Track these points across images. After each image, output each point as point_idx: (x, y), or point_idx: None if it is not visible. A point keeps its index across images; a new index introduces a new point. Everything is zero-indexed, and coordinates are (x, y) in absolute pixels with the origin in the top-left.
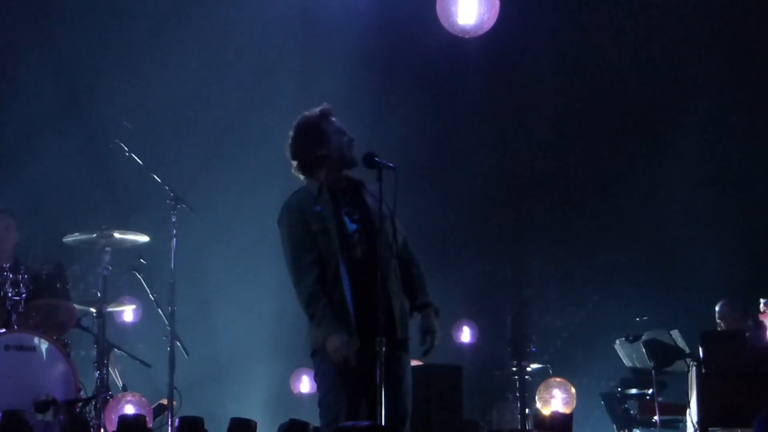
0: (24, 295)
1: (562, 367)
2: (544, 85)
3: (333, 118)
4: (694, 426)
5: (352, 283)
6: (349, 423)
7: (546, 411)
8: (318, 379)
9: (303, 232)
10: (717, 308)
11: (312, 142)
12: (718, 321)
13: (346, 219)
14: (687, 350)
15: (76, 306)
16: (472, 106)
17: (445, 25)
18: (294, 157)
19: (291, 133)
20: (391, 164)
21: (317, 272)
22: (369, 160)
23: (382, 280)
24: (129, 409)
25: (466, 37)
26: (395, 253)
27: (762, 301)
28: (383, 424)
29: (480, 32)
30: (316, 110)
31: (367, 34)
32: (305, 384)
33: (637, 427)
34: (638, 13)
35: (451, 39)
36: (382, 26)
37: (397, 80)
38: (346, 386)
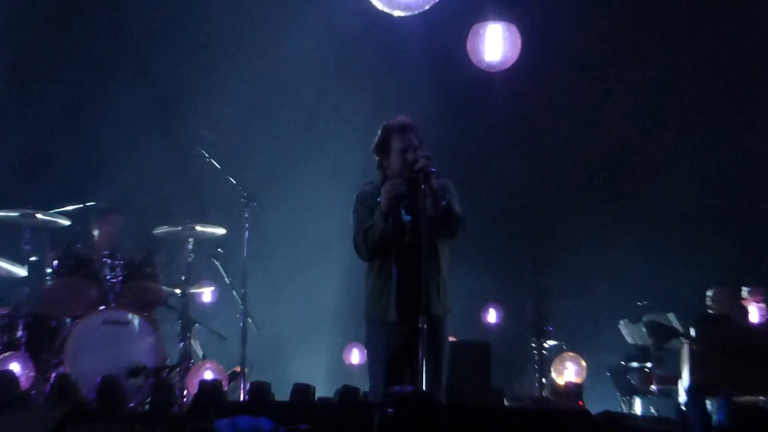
0: (120, 278)
1: (574, 344)
2: (561, 109)
3: (409, 134)
4: (685, 395)
5: (398, 264)
6: (397, 388)
7: (560, 381)
8: (368, 348)
9: (366, 216)
10: (709, 294)
11: (379, 150)
12: (709, 305)
13: (402, 211)
14: (681, 330)
15: (163, 288)
16: (500, 127)
17: (474, 60)
18: (373, 153)
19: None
20: (434, 169)
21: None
22: (419, 172)
23: (425, 265)
24: (208, 375)
25: (492, 71)
26: (442, 247)
27: (744, 289)
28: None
29: (504, 67)
30: (398, 121)
31: (411, 63)
32: (355, 356)
33: (638, 395)
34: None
35: (480, 72)
36: (426, 58)
37: (438, 104)
38: (390, 356)
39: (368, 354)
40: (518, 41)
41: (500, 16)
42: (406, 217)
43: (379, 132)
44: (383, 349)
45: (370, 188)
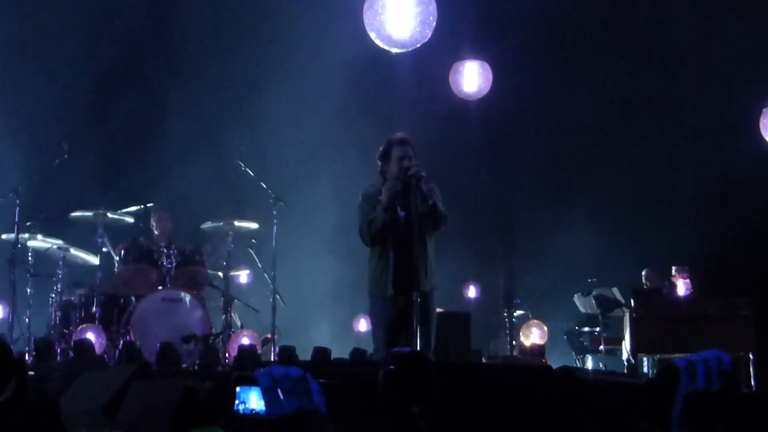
0: (174, 264)
1: (538, 313)
2: (524, 127)
3: (406, 146)
4: (627, 353)
5: (395, 251)
6: (396, 349)
7: (527, 343)
8: (371, 318)
9: (369, 211)
10: (643, 273)
11: (382, 158)
12: (644, 282)
13: (398, 208)
14: (623, 301)
15: (209, 271)
16: (476, 143)
17: (455, 91)
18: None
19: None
20: (423, 174)
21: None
22: (411, 176)
23: (416, 251)
24: (245, 341)
25: (469, 99)
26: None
27: (674, 267)
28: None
29: (479, 96)
30: (397, 136)
31: (404, 93)
32: (362, 325)
33: (589, 354)
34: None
35: (459, 101)
36: (416, 89)
37: (426, 124)
38: (388, 323)
39: (371, 323)
40: (490, 76)
41: (475, 56)
42: (401, 213)
43: (383, 144)
44: (383, 318)
45: (372, 189)
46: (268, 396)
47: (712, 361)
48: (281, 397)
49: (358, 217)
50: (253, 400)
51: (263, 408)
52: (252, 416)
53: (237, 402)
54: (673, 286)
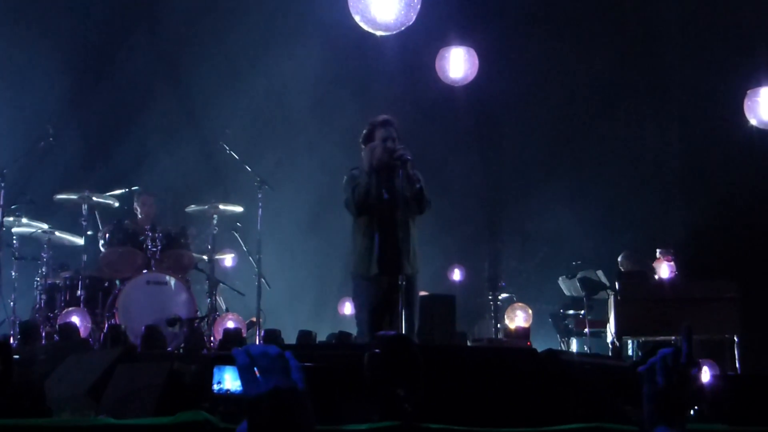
0: (159, 247)
1: (522, 296)
2: (510, 113)
3: (390, 127)
4: (611, 335)
5: (379, 232)
6: (381, 332)
7: (512, 326)
8: (354, 300)
9: (353, 184)
10: (619, 258)
11: (365, 141)
12: (620, 267)
13: (383, 190)
14: (608, 284)
15: (194, 254)
16: (463, 128)
17: (441, 77)
18: (360, 143)
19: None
20: (409, 157)
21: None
22: (397, 159)
23: (400, 233)
24: (230, 324)
25: (456, 85)
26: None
27: (658, 250)
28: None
29: (465, 82)
30: (380, 117)
31: (391, 78)
32: (347, 308)
33: (574, 336)
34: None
35: (446, 87)
36: (404, 74)
37: (413, 109)
38: (372, 306)
39: (355, 305)
40: (476, 62)
41: (462, 42)
42: (386, 195)
43: (366, 126)
44: (367, 300)
45: (356, 172)
46: (244, 375)
47: (668, 358)
48: (258, 375)
49: (344, 189)
50: (228, 380)
51: (238, 388)
52: (227, 396)
53: (212, 382)
54: (652, 270)
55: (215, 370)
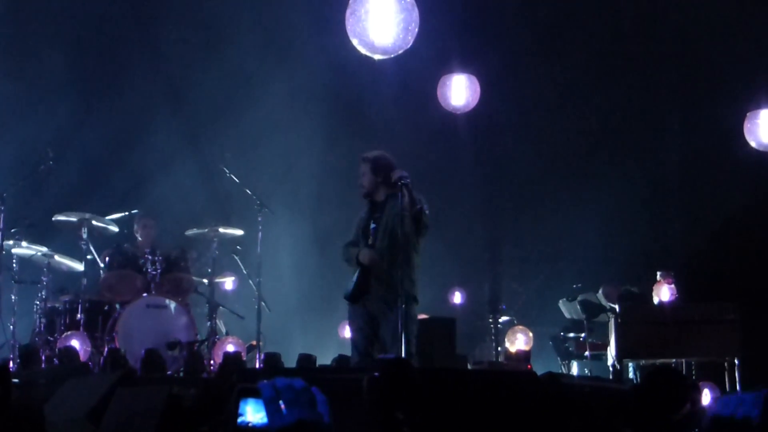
0: (159, 271)
1: (523, 319)
2: (510, 140)
3: (363, 164)
4: (612, 358)
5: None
6: (381, 356)
7: (512, 349)
8: (349, 322)
9: (353, 233)
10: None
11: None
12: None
13: (372, 221)
14: (608, 307)
15: (194, 278)
16: (463, 155)
17: (443, 104)
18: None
19: None
20: (408, 179)
21: (350, 246)
22: (396, 181)
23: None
24: (230, 348)
25: (457, 112)
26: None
27: (659, 273)
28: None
29: (467, 109)
30: (361, 156)
31: (388, 103)
32: (347, 331)
33: (574, 359)
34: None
35: (447, 114)
36: (399, 99)
37: (415, 135)
38: (359, 329)
39: (350, 329)
40: (478, 89)
41: (463, 69)
42: (372, 226)
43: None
44: (352, 322)
45: (363, 213)
46: (270, 407)
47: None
48: (283, 408)
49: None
50: (249, 413)
51: (260, 420)
52: (248, 428)
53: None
54: (658, 291)
55: (241, 402)
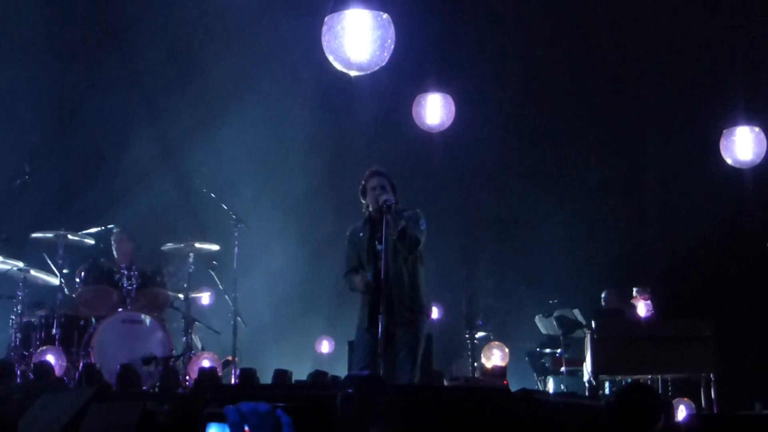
0: (135, 286)
1: (499, 334)
2: (485, 158)
3: (376, 177)
4: (588, 374)
5: (374, 281)
6: (354, 372)
7: (488, 364)
8: (355, 348)
9: (351, 251)
10: (603, 295)
11: (362, 194)
12: (603, 304)
13: (377, 242)
14: (584, 323)
15: (170, 293)
16: (439, 173)
17: (418, 123)
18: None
19: None
20: (392, 202)
21: (352, 271)
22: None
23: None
24: (205, 363)
25: (432, 131)
26: (406, 265)
27: (634, 289)
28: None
29: (442, 128)
30: (372, 169)
31: (367, 124)
32: (324, 346)
33: (551, 375)
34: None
35: (422, 133)
36: (379, 118)
37: (391, 153)
38: (362, 350)
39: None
40: (453, 108)
41: (438, 88)
42: (379, 246)
43: (362, 181)
44: (358, 346)
45: (356, 225)
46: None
47: None
48: None
49: (343, 253)
50: None
51: None
52: None
53: None
54: (633, 307)
55: (207, 427)
